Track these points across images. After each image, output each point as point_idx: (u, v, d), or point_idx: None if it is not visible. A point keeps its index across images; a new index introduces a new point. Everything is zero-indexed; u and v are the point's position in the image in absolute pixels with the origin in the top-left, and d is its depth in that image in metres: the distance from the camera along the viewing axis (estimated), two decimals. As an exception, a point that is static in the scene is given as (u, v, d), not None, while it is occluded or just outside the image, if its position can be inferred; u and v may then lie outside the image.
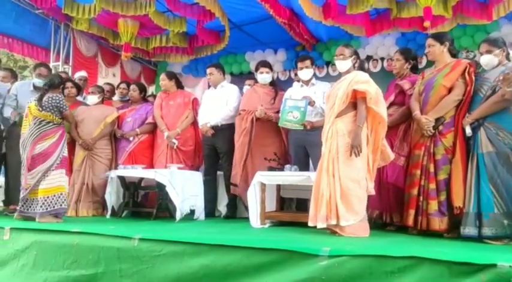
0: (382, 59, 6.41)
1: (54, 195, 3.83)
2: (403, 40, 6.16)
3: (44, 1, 5.42)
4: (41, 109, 3.91)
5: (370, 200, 3.85)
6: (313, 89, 4.41)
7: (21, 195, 3.87)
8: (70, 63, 6.34)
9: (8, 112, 4.54)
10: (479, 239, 2.98)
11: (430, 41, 3.53)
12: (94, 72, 6.58)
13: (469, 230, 3.01)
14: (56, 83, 4.10)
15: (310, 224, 3.23)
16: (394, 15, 5.22)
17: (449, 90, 3.36)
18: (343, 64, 3.50)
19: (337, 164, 3.19)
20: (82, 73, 5.86)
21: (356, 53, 3.57)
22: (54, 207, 3.81)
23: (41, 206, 3.78)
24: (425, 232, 3.30)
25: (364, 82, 3.28)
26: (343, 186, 3.13)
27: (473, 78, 3.27)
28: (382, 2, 5.05)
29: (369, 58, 6.41)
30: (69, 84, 5.00)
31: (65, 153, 4.00)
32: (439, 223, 3.24)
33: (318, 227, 3.16)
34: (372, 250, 2.26)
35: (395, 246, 2.68)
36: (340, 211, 3.09)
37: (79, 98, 5.27)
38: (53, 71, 6.33)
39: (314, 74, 4.58)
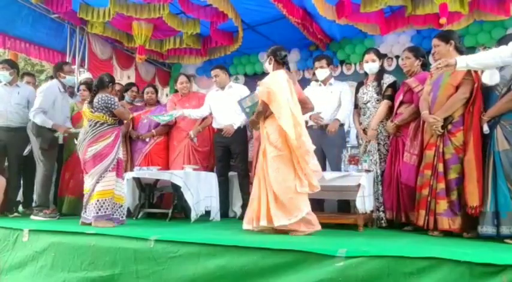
0: (397, 57, 6.33)
1: (99, 200, 3.68)
2: (418, 37, 6.08)
3: (60, 6, 5.49)
4: (93, 111, 3.82)
5: (385, 200, 3.84)
6: (330, 89, 4.39)
7: (84, 201, 3.79)
8: (85, 66, 6.41)
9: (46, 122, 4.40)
10: (498, 238, 2.93)
11: (435, 41, 3.49)
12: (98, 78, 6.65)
13: (486, 228, 2.98)
14: (105, 81, 3.96)
15: (244, 227, 3.34)
16: (409, 13, 5.15)
17: (457, 88, 3.30)
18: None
19: (266, 167, 3.25)
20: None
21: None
22: (105, 211, 3.68)
23: (93, 210, 3.65)
24: (444, 232, 3.24)
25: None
26: (273, 189, 3.18)
27: (480, 74, 3.21)
28: (397, 0, 4.99)
29: (384, 56, 6.34)
30: (82, 86, 5.06)
31: (120, 155, 3.90)
32: (449, 223, 3.19)
33: (245, 228, 3.32)
34: (390, 251, 2.23)
35: (414, 246, 2.64)
36: (272, 212, 3.14)
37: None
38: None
39: (331, 74, 4.53)
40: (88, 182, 3.76)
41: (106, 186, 3.72)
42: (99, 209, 3.67)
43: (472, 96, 3.22)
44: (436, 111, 3.35)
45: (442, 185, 3.25)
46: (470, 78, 3.25)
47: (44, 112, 4.40)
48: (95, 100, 3.84)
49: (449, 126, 3.29)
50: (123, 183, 3.93)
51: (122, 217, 3.86)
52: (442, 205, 3.22)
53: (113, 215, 3.77)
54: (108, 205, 3.71)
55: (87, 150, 3.75)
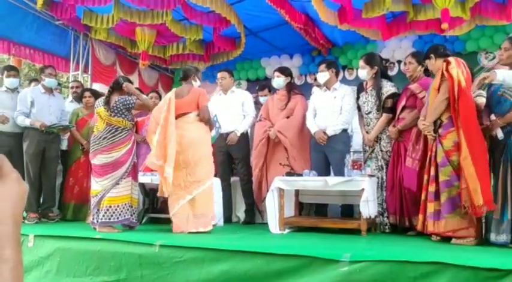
0: (399, 62, 6.35)
1: (119, 206, 3.64)
2: (420, 42, 6.11)
3: (64, 12, 5.53)
4: (112, 114, 3.72)
5: (388, 205, 3.85)
6: (334, 94, 4.39)
7: (92, 204, 3.76)
8: (89, 72, 6.46)
9: (24, 121, 4.50)
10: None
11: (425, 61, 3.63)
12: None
13: (506, 237, 2.92)
14: (121, 83, 3.88)
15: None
16: (411, 18, 5.17)
17: (439, 91, 3.31)
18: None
19: None
20: (100, 87, 5.90)
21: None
22: (118, 218, 3.63)
23: (103, 215, 3.60)
24: (448, 237, 3.24)
25: None
26: None
27: (456, 74, 3.15)
28: (398, 5, 5.01)
29: (385, 61, 6.36)
30: (87, 93, 5.10)
31: (135, 158, 3.86)
32: (434, 225, 3.17)
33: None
34: (394, 255, 2.24)
35: (418, 251, 2.64)
36: None
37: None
38: (71, 79, 6.50)
39: (333, 79, 4.48)
40: (101, 184, 3.68)
41: (120, 193, 3.67)
42: (111, 216, 3.62)
43: (453, 96, 3.17)
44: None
45: (432, 188, 3.25)
46: (445, 79, 3.24)
47: (23, 113, 4.51)
48: (112, 103, 3.75)
49: (440, 130, 3.29)
50: (137, 185, 3.90)
51: (136, 220, 3.85)
52: (430, 207, 3.22)
53: (131, 218, 3.73)
54: (121, 211, 3.66)
55: (106, 155, 3.67)
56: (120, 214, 3.66)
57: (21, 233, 0.61)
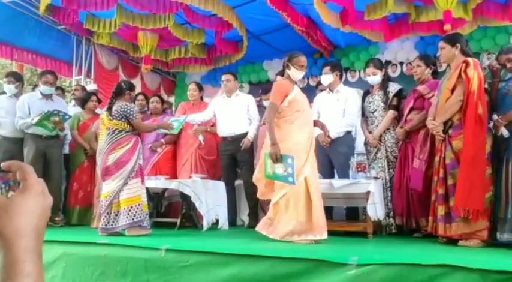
0: (401, 63, 6.36)
1: (132, 206, 3.60)
2: (422, 44, 6.11)
3: (67, 17, 5.55)
4: (111, 118, 3.75)
5: (395, 206, 3.84)
6: (337, 96, 4.39)
7: (101, 209, 3.72)
8: (92, 77, 6.47)
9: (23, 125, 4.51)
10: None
11: (441, 43, 3.45)
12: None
13: (507, 235, 2.94)
14: (123, 88, 3.88)
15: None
16: (413, 20, 5.18)
17: (453, 91, 3.25)
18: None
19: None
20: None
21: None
22: (140, 217, 3.60)
23: (127, 218, 3.57)
24: (455, 240, 3.22)
25: None
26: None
27: (472, 76, 3.12)
28: (400, 7, 5.01)
29: (388, 63, 6.36)
30: (94, 98, 5.11)
31: (141, 161, 3.83)
32: (446, 229, 3.14)
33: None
34: (402, 258, 2.23)
35: (425, 254, 2.64)
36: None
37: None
38: (73, 84, 6.52)
39: (337, 81, 4.49)
40: (109, 186, 3.66)
41: (131, 194, 3.63)
42: (134, 216, 3.58)
43: (466, 98, 3.15)
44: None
45: (441, 191, 3.22)
46: (462, 81, 3.20)
47: (23, 119, 4.51)
48: (114, 108, 3.76)
49: (450, 131, 3.26)
50: (144, 188, 3.85)
51: (149, 225, 3.78)
52: (440, 211, 3.20)
53: (143, 223, 3.67)
54: (136, 211, 3.61)
55: (107, 158, 3.68)
56: (140, 215, 3.60)
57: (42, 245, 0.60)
